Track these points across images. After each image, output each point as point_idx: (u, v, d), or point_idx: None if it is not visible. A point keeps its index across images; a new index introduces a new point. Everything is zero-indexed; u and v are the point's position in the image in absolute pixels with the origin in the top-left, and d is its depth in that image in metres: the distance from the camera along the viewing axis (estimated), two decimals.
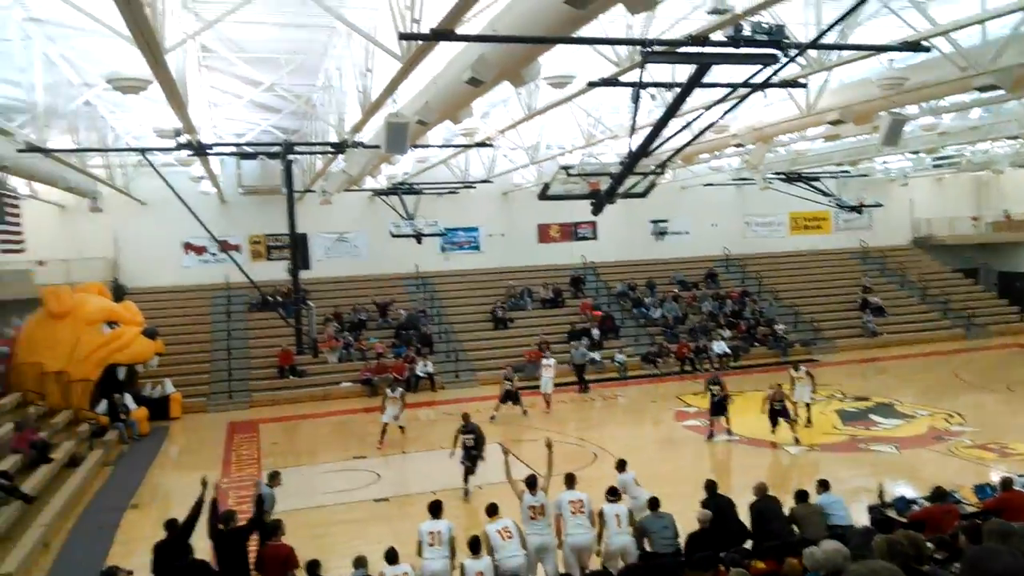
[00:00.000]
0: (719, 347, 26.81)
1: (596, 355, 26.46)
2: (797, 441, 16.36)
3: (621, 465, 11.08)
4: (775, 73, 9.34)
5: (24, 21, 13.00)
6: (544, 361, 21.85)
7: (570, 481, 9.83)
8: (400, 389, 18.96)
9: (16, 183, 22.64)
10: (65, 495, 14.62)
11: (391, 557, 8.50)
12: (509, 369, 21.44)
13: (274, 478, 11.11)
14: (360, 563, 8.53)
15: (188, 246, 28.09)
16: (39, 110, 14.76)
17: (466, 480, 14.03)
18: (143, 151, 14.85)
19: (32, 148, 13.82)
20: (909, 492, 11.38)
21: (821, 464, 15.13)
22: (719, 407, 17.30)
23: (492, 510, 9.42)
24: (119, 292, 25.95)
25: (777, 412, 16.58)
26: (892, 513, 9.91)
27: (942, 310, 31.43)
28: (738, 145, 19.35)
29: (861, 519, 10.23)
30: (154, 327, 22.25)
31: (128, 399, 20.61)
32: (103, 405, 20.08)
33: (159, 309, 26.01)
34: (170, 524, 8.84)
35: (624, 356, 26.24)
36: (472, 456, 14.19)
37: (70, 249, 26.10)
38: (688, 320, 29.10)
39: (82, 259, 26.09)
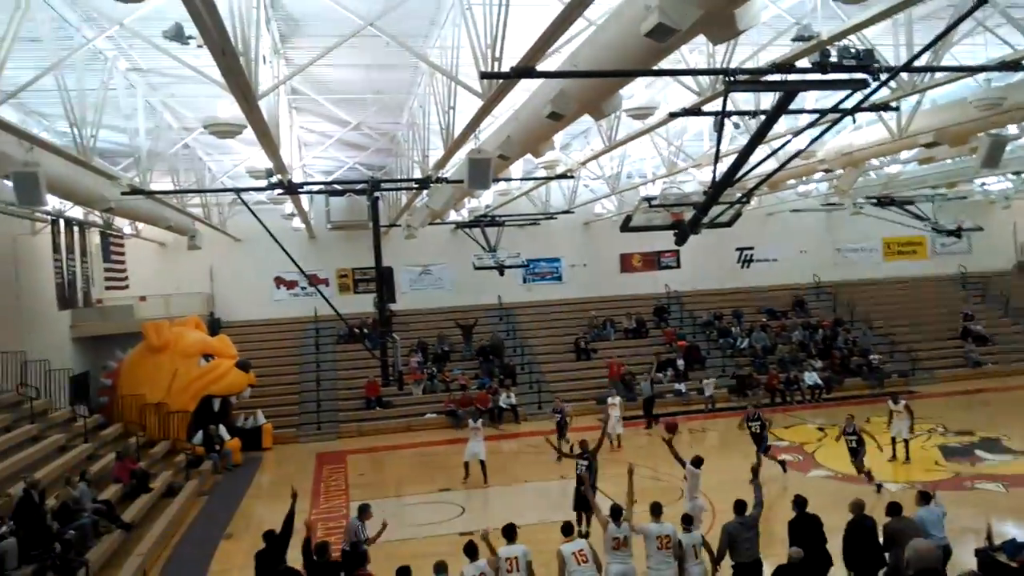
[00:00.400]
0: (811, 378, 25.96)
1: (682, 387, 25.99)
2: (869, 476, 15.44)
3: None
4: (866, 98, 9.10)
5: (128, 71, 13.78)
6: (610, 400, 20.71)
7: (656, 512, 9.63)
8: (481, 420, 18.97)
9: (120, 223, 23.86)
10: (163, 524, 15.11)
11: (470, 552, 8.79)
12: (558, 401, 20.74)
13: (364, 512, 11.24)
14: (440, 568, 8.68)
15: (279, 280, 29.01)
16: (142, 154, 15.56)
17: (579, 521, 12.98)
18: (237, 191, 15.44)
19: (135, 191, 14.55)
20: (1020, 535, 10.71)
21: None
22: (759, 440, 16.65)
23: (567, 530, 9.45)
24: (215, 325, 26.92)
25: (852, 449, 15.80)
26: (1002, 557, 9.35)
27: None
28: (826, 170, 18.84)
29: (968, 562, 9.68)
30: (247, 359, 22.94)
31: (222, 430, 21.26)
32: (199, 436, 20.77)
33: (252, 341, 26.84)
34: (268, 535, 9.75)
35: (712, 387, 25.58)
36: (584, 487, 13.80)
37: (169, 284, 27.27)
38: (777, 350, 28.31)
39: (180, 294, 27.22)
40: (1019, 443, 18.28)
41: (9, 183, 11.38)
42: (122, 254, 25.57)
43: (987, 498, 14.56)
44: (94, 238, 23.42)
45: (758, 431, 16.76)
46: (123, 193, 14.88)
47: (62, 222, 19.76)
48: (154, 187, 17.43)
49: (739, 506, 9.57)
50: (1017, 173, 24.01)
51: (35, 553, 11.08)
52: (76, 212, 20.59)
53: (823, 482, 16.32)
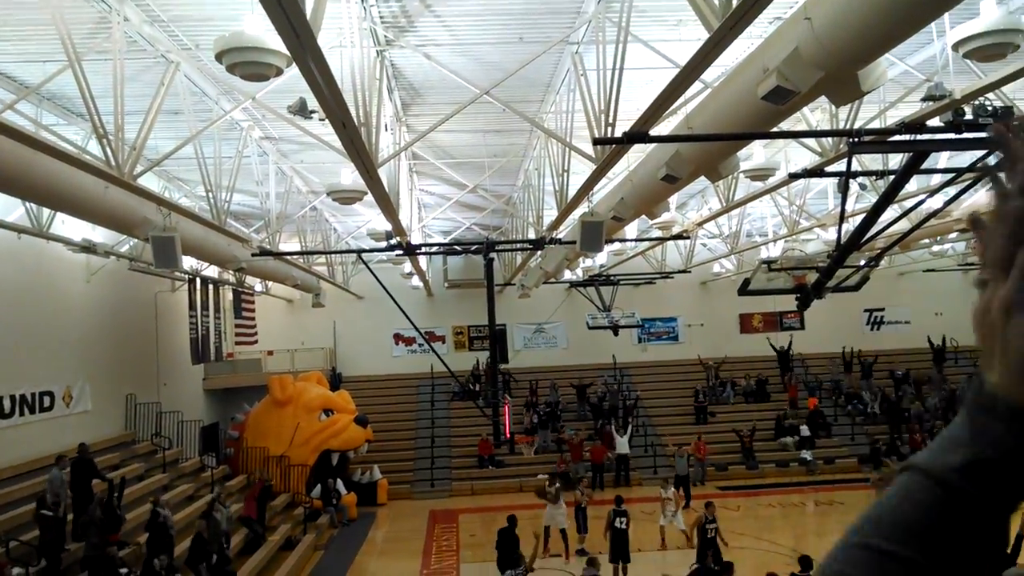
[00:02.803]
0: None
1: (808, 455, 24.73)
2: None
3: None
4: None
5: (261, 139, 14.60)
6: (663, 494, 17.32)
7: None
8: (558, 484, 17.79)
9: (251, 280, 25.10)
10: None
11: None
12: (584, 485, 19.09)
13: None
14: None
15: (398, 337, 29.65)
16: (271, 217, 16.37)
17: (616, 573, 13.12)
18: (359, 252, 15.98)
19: (264, 252, 15.27)
20: None
21: None
22: None
23: None
24: (336, 380, 27.70)
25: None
26: None
27: None
28: (963, 230, 17.77)
29: None
30: (365, 415, 23.42)
31: (340, 484, 21.67)
32: (317, 489, 21.23)
33: (370, 396, 27.43)
34: None
35: (810, 455, 24.22)
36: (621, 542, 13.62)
37: (295, 340, 28.34)
38: (914, 406, 26.33)
39: (305, 349, 28.23)
40: None
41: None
42: (252, 310, 26.85)
43: None
44: (227, 295, 24.71)
45: None
46: (253, 254, 15.65)
47: (198, 280, 20.93)
48: (282, 248, 18.29)
49: None
50: None
51: None
52: (211, 271, 21.80)
53: None
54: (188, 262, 18.73)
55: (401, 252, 15.48)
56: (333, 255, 22.95)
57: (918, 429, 24.87)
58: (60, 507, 12.75)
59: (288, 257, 18.54)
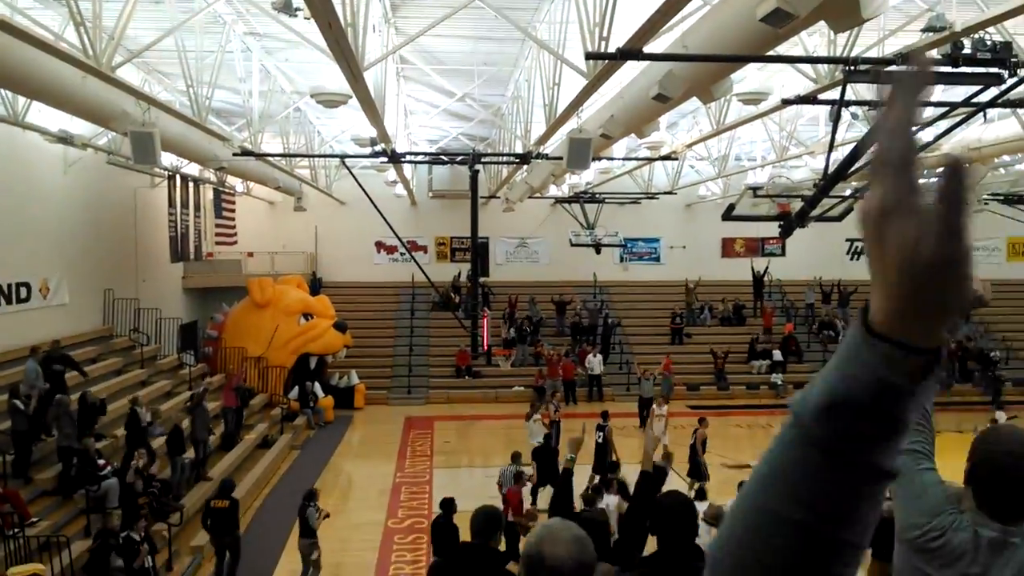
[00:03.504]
0: None
1: (779, 378, 25.24)
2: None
3: None
4: (1001, 94, 8.47)
5: (245, 35, 14.14)
6: (657, 410, 17.00)
7: None
8: (556, 404, 17.89)
9: (232, 181, 24.75)
10: (257, 474, 15.75)
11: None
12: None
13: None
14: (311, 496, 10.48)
15: (380, 245, 29.50)
16: (254, 116, 16.01)
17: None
18: (342, 157, 15.72)
19: (246, 152, 14.99)
20: None
21: None
22: None
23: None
24: (316, 285, 27.70)
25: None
26: None
27: None
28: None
29: None
30: (344, 320, 23.52)
31: (317, 387, 21.93)
32: (295, 391, 21.51)
33: (350, 303, 27.50)
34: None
35: (781, 378, 24.76)
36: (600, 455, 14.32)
37: (275, 243, 28.18)
38: None
39: (285, 252, 28.10)
40: None
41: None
42: (233, 211, 26.58)
43: None
44: (207, 194, 24.39)
45: None
46: (234, 154, 15.37)
47: (178, 178, 20.61)
48: (264, 149, 17.94)
49: None
50: None
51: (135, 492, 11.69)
52: (192, 168, 21.44)
53: None
54: (168, 159, 18.39)
55: (385, 159, 15.25)
56: (316, 159, 22.57)
57: None
58: (31, 400, 12.84)
59: (270, 159, 18.22)
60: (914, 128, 0.69)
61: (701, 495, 11.11)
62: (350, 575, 11.76)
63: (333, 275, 29.27)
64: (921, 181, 0.68)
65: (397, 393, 24.72)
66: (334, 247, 29.36)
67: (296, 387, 21.65)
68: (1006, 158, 18.12)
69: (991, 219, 25.71)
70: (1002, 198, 22.31)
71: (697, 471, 13.88)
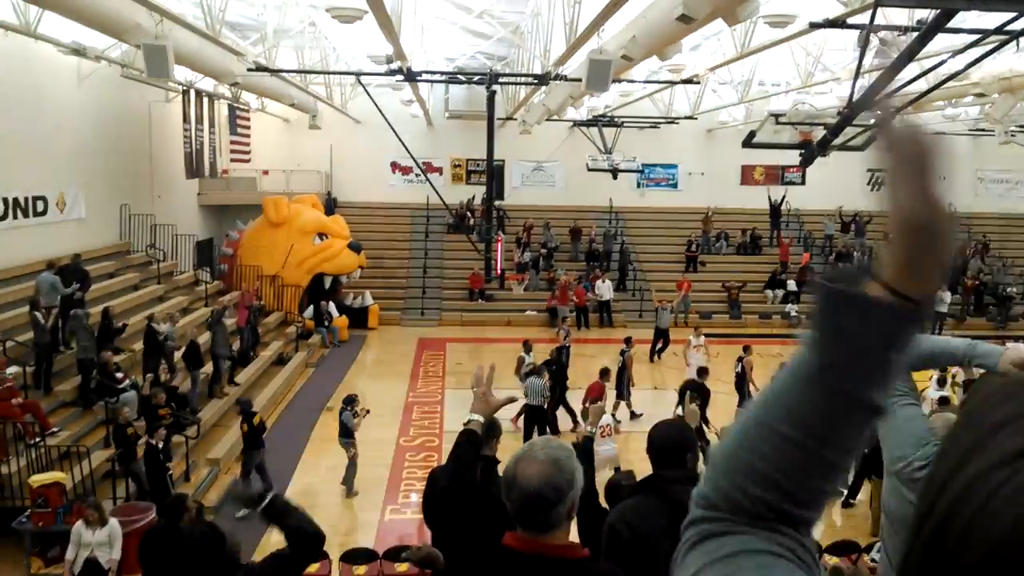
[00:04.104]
0: (942, 302, 23.94)
1: (792, 308, 25.19)
2: None
3: None
4: None
5: None
6: (693, 341, 17.31)
7: None
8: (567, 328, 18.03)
9: (247, 97, 24.44)
10: (272, 391, 16.05)
11: None
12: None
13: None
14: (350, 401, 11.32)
15: (395, 165, 29.27)
16: (268, 30, 15.71)
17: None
18: (358, 75, 15.46)
19: (260, 68, 14.78)
20: None
21: None
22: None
23: None
24: (331, 205, 27.65)
25: None
26: None
27: None
28: (979, 95, 17.27)
29: None
30: (359, 241, 23.55)
31: (332, 307, 22.10)
32: (310, 310, 21.71)
33: (365, 223, 27.48)
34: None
35: (795, 309, 24.66)
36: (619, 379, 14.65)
37: (291, 161, 28.00)
38: None
39: (301, 171, 27.95)
40: None
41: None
42: (248, 128, 26.39)
43: None
44: (222, 110, 24.15)
45: None
46: (249, 69, 15.15)
47: (192, 93, 20.38)
48: (279, 64, 17.67)
49: None
50: None
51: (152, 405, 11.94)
52: (206, 83, 21.17)
53: None
54: (183, 73, 18.14)
55: (401, 77, 15.01)
56: (331, 75, 22.21)
57: None
58: (50, 312, 13.03)
59: (284, 75, 17.95)
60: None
61: None
62: (363, 489, 12.04)
63: (348, 195, 29.17)
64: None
65: (410, 314, 24.90)
66: (349, 167, 29.15)
67: (311, 306, 21.85)
68: None
69: (1017, 152, 25.20)
70: None
71: (745, 400, 14.01)
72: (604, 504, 4.30)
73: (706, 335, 19.25)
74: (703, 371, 13.26)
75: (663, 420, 3.49)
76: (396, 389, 17.44)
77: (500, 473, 2.52)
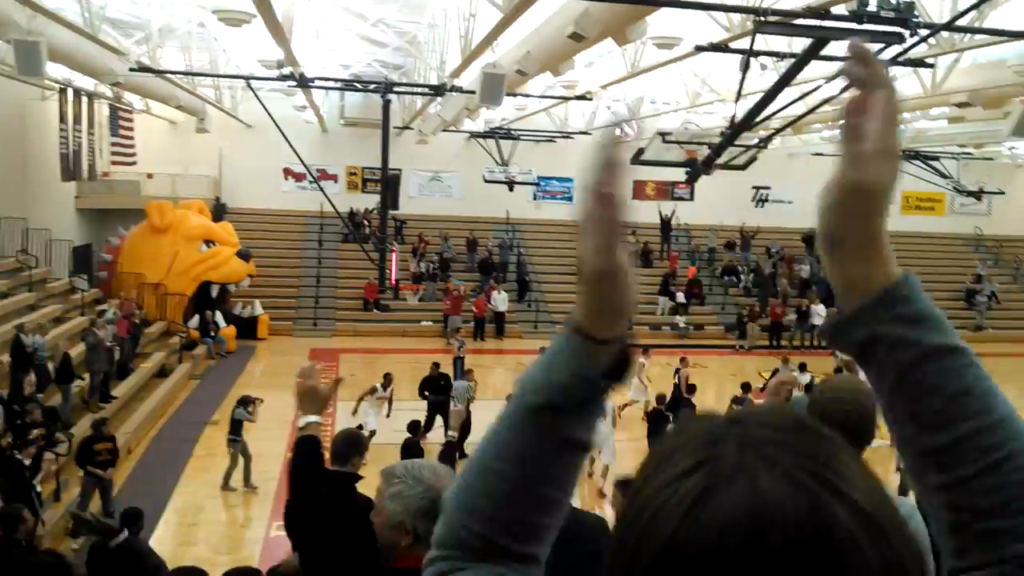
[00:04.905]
0: (817, 315, 24.90)
1: (681, 320, 25.97)
2: None
3: None
4: (903, 53, 8.72)
5: None
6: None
7: None
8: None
9: (131, 97, 23.43)
10: (152, 404, 15.39)
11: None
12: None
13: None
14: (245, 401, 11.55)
15: (288, 171, 28.53)
16: (153, 29, 15.13)
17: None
18: (247, 79, 15.06)
19: (143, 68, 14.22)
20: None
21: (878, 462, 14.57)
22: None
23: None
24: (220, 210, 26.80)
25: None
26: None
27: None
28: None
29: None
30: (248, 249, 22.92)
31: (219, 317, 21.40)
32: (195, 320, 20.94)
33: (256, 230, 26.77)
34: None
35: (683, 320, 25.46)
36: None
37: (177, 164, 26.99)
38: (782, 286, 27.69)
39: (188, 175, 26.99)
40: None
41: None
42: (131, 129, 25.28)
43: None
44: (103, 110, 23.07)
45: None
46: (131, 69, 14.54)
47: (70, 91, 19.39)
48: (164, 65, 17.04)
49: None
50: None
51: (19, 421, 11.25)
52: (86, 82, 20.17)
53: None
54: (60, 71, 17.25)
55: (293, 83, 14.73)
56: (221, 79, 21.56)
57: (781, 304, 26.33)
58: None
59: (170, 76, 17.31)
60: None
61: None
62: (248, 504, 11.70)
63: (238, 201, 28.31)
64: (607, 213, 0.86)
65: (303, 325, 24.38)
66: (239, 172, 28.28)
67: (196, 316, 21.08)
68: (905, 115, 18.77)
69: None
70: (900, 154, 23.21)
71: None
72: None
73: None
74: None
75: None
76: (285, 400, 16.88)
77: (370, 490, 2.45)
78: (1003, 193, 25.61)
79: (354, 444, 4.18)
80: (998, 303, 29.16)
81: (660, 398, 13.37)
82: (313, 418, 3.02)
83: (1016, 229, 33.73)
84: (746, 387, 14.29)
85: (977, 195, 22.73)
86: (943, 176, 22.37)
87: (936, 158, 22.79)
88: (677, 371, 15.26)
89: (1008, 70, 12.22)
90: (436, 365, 14.89)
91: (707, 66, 17.38)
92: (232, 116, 25.22)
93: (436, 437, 13.79)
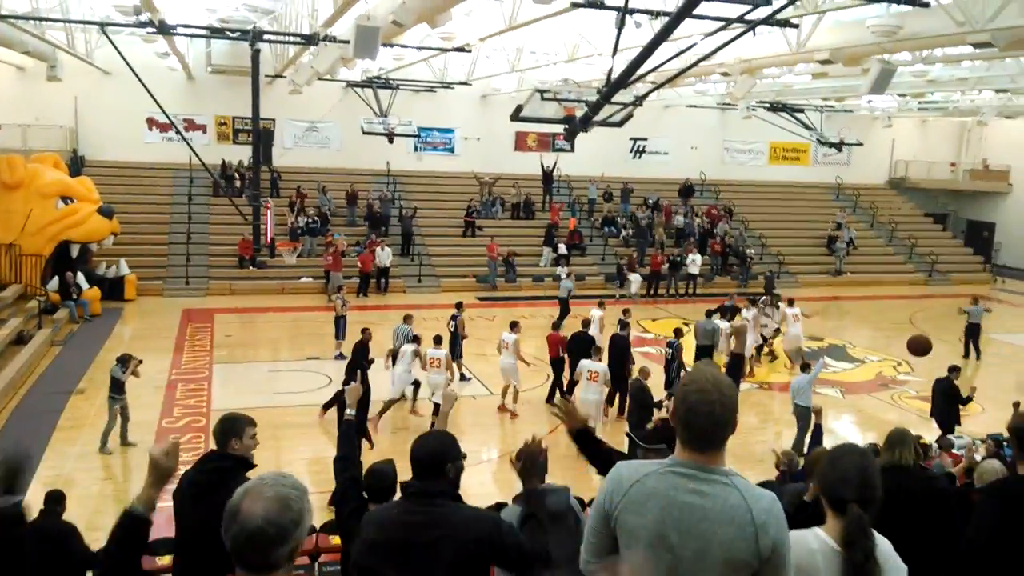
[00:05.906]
0: (693, 265, 26.23)
1: (562, 271, 26.31)
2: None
3: None
4: (773, 15, 8.96)
5: None
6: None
7: None
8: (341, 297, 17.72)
9: None
10: (10, 373, 14.43)
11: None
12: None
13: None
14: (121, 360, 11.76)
15: (152, 122, 26.98)
16: None
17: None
18: (101, 25, 14.00)
19: None
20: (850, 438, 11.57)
21: (765, 402, 15.41)
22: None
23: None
24: (78, 164, 25.13)
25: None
26: None
27: (907, 254, 31.70)
28: (725, 74, 18.83)
29: None
30: (111, 205, 21.64)
31: (81, 278, 20.18)
32: (54, 282, 19.69)
33: (118, 185, 25.30)
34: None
35: (564, 271, 25.79)
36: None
37: (28, 114, 25.07)
38: (659, 234, 28.50)
39: (40, 126, 25.11)
40: (861, 352, 19.66)
41: None
42: None
43: (823, 403, 15.62)
44: None
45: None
46: None
47: None
48: (7, 7, 15.63)
49: None
50: (902, 95, 24.81)
51: None
52: None
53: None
54: None
55: (153, 30, 13.82)
56: (72, 23, 19.96)
57: (659, 252, 27.15)
58: None
59: (13, 21, 15.91)
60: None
61: None
62: (123, 478, 11.22)
63: (98, 154, 26.62)
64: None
65: (173, 284, 23.32)
66: (98, 122, 26.50)
67: (56, 277, 19.80)
68: (773, 70, 19.45)
69: (757, 124, 27.85)
70: (767, 106, 24.15)
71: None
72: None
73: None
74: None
75: (427, 432, 3.54)
76: (157, 365, 16.21)
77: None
78: (861, 144, 27.10)
79: (228, 426, 4.17)
80: (856, 249, 31.05)
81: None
82: (138, 509, 3.04)
83: (873, 178, 35.91)
84: (678, 332, 14.91)
85: (838, 146, 23.93)
86: (807, 128, 23.41)
87: (801, 110, 23.87)
88: (671, 343, 14.70)
89: (866, 30, 12.79)
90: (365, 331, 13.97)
91: (586, 20, 17.41)
92: (88, 62, 23.45)
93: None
